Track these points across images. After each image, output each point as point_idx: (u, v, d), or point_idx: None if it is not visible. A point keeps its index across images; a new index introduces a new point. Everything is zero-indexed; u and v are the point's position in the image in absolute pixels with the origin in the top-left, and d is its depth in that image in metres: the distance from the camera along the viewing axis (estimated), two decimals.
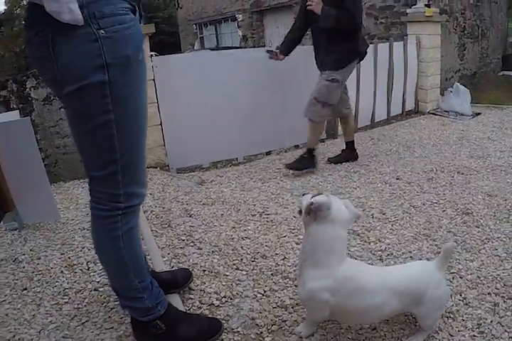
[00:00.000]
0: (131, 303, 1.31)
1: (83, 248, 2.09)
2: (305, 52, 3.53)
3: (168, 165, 3.55)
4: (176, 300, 1.58)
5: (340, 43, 2.98)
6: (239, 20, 10.79)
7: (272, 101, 3.80)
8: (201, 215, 2.49)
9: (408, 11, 5.45)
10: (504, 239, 2.07)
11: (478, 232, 2.15)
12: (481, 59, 8.44)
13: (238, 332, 1.47)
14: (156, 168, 3.46)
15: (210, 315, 1.55)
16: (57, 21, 0.98)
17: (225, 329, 1.47)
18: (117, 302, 1.61)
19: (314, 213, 1.26)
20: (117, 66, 1.05)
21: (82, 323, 1.54)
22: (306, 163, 3.19)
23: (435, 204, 2.51)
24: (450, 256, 1.43)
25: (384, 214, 2.41)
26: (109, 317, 1.55)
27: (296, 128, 3.81)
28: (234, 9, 10.69)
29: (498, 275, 1.76)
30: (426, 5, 5.17)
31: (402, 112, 5.11)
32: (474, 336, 1.42)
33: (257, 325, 1.51)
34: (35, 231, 2.34)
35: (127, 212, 1.21)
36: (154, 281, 1.36)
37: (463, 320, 1.49)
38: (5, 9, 20.51)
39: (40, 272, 1.90)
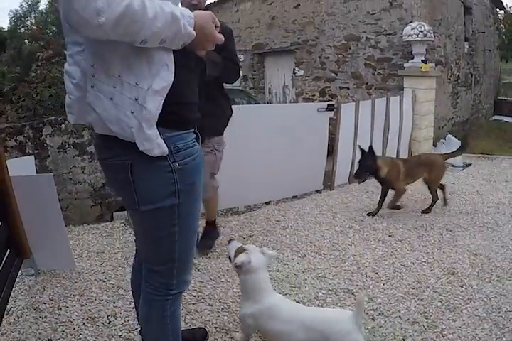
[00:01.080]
0: None
1: (101, 300, 2.28)
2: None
3: None
4: None
5: (224, 100, 2.70)
6: (240, 60, 11.25)
7: (272, 154, 3.99)
8: (209, 270, 2.69)
9: (405, 65, 5.85)
10: (485, 300, 2.28)
11: (462, 292, 2.36)
12: (473, 106, 8.88)
13: None
14: None
15: None
16: (138, 152, 1.13)
17: None
18: None
19: (240, 269, 1.71)
20: (185, 192, 1.25)
21: None
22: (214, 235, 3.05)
23: (424, 264, 2.73)
24: (362, 306, 1.64)
25: (377, 273, 2.62)
26: None
27: (294, 179, 4.11)
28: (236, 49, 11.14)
29: (477, 334, 1.97)
30: (422, 61, 5.56)
31: None
32: None
33: None
34: (51, 278, 2.54)
35: (175, 297, 1.43)
36: None
37: None
38: (8, 26, 20.99)
39: (63, 323, 2.09)
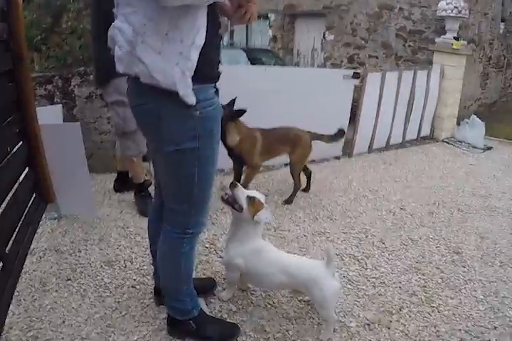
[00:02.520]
0: (176, 304, 1.69)
1: (119, 245, 2.41)
2: None
3: None
4: (201, 304, 1.91)
5: None
6: (271, 19, 10.95)
7: (293, 116, 3.95)
8: (222, 224, 2.80)
9: (437, 40, 5.66)
10: (484, 282, 2.32)
11: (464, 272, 2.41)
12: (503, 89, 8.62)
13: (250, 335, 1.80)
14: None
15: (228, 319, 1.88)
16: (166, 100, 1.32)
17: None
18: (152, 300, 1.95)
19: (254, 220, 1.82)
20: (204, 137, 1.42)
21: (123, 315, 1.87)
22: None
23: (431, 240, 2.78)
24: (332, 255, 1.75)
25: (383, 243, 2.70)
26: (146, 312, 1.89)
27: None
28: (267, 8, 10.84)
29: (471, 315, 2.03)
30: (455, 37, 5.37)
31: (417, 138, 5.36)
32: None
33: (265, 331, 1.83)
34: (73, 222, 2.68)
35: (191, 236, 1.59)
36: (194, 290, 1.72)
37: None
38: None
39: (82, 265, 2.24)
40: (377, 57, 7.29)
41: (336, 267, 2.31)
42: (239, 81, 3.65)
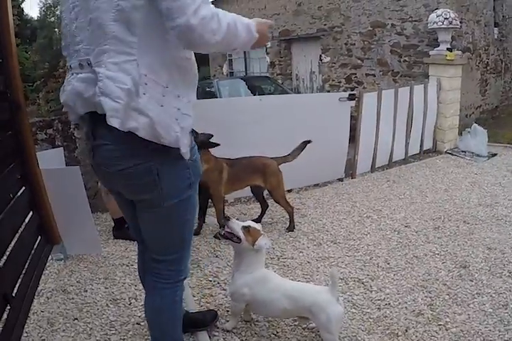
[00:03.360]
0: None
1: (124, 283, 2.44)
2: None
3: None
4: (204, 337, 1.94)
5: None
6: (267, 46, 11.21)
7: (294, 142, 4.06)
8: (226, 256, 2.81)
9: (431, 52, 5.74)
10: (493, 295, 2.29)
11: (471, 286, 2.38)
12: (503, 93, 8.62)
13: None
14: None
15: None
16: (163, 156, 1.28)
17: None
18: None
19: (255, 249, 1.87)
20: (195, 182, 1.43)
21: None
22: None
23: (437, 256, 2.76)
24: (336, 280, 1.80)
25: (388, 263, 2.68)
26: None
27: (315, 168, 4.16)
28: None
29: (480, 330, 2.00)
30: (448, 49, 5.45)
31: (420, 152, 5.38)
32: None
33: None
34: (79, 262, 2.73)
35: (182, 282, 1.59)
36: None
37: None
38: (38, 16, 21.24)
39: (88, 304, 2.28)
40: (374, 75, 7.41)
41: (340, 291, 2.33)
42: (235, 111, 3.77)
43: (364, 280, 2.47)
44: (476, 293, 2.31)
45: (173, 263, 1.53)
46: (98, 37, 1.18)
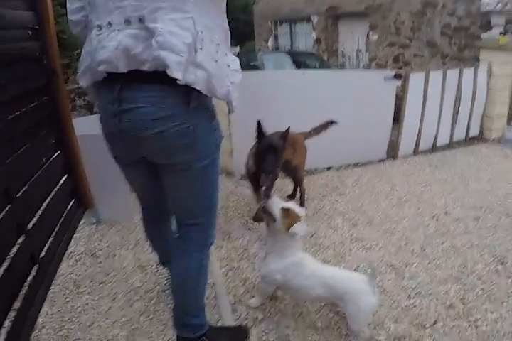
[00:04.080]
0: (194, 320, 1.62)
1: (153, 251, 2.48)
2: None
3: (233, 172, 3.92)
4: (227, 311, 1.94)
5: None
6: (314, 22, 10.89)
7: (334, 116, 3.96)
8: (258, 229, 2.81)
9: (483, 35, 5.39)
10: None
11: (507, 284, 2.26)
12: None
13: None
14: (222, 174, 3.83)
15: (254, 327, 1.87)
16: (199, 118, 1.33)
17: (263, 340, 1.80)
18: None
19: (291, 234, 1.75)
20: (219, 145, 1.48)
21: (150, 319, 1.92)
22: None
23: (475, 247, 2.63)
24: (375, 276, 1.77)
25: (424, 250, 2.59)
26: (172, 317, 1.91)
27: (357, 147, 4.09)
28: (310, 10, 10.79)
29: (511, 331, 1.90)
30: (501, 33, 5.10)
31: (466, 138, 5.12)
32: None
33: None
34: (110, 227, 2.78)
35: (210, 245, 1.62)
36: None
37: None
38: None
39: (115, 269, 2.33)
40: (422, 56, 7.06)
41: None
42: (277, 84, 3.71)
43: (397, 266, 2.40)
44: (511, 292, 2.19)
45: (202, 227, 1.55)
46: None
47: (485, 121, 5.18)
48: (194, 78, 1.21)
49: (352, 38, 9.25)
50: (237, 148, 3.77)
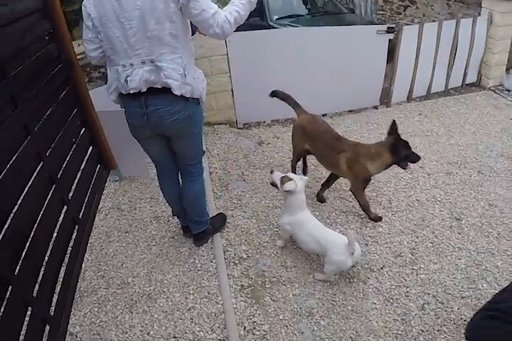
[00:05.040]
0: (204, 218, 2.47)
1: (165, 203, 2.83)
2: None
3: (236, 122, 4.32)
4: (220, 251, 2.48)
5: None
6: None
7: (331, 68, 4.29)
8: (252, 180, 3.21)
9: None
10: (472, 252, 2.41)
11: (456, 239, 2.52)
12: None
13: (251, 278, 2.33)
14: (226, 124, 4.23)
15: (238, 264, 2.41)
16: (194, 105, 2.07)
17: (243, 275, 2.32)
18: (185, 248, 2.52)
19: (287, 192, 2.31)
20: (202, 120, 2.31)
21: (163, 260, 2.49)
22: None
23: (437, 203, 2.88)
24: (352, 239, 2.09)
25: (390, 203, 2.89)
26: (179, 257, 2.50)
27: (351, 94, 4.41)
28: None
29: (446, 282, 2.21)
30: None
31: (462, 85, 5.21)
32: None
33: (264, 275, 2.34)
34: (131, 183, 3.27)
35: (202, 173, 2.43)
36: None
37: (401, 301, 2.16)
38: None
39: (136, 220, 2.84)
40: None
41: (338, 224, 2.66)
42: (275, 43, 4.01)
43: (363, 216, 2.72)
44: (458, 247, 2.45)
45: (198, 164, 2.34)
46: (157, 45, 1.85)
47: (483, 69, 5.22)
48: (185, 91, 1.97)
49: None
50: (238, 101, 4.18)
